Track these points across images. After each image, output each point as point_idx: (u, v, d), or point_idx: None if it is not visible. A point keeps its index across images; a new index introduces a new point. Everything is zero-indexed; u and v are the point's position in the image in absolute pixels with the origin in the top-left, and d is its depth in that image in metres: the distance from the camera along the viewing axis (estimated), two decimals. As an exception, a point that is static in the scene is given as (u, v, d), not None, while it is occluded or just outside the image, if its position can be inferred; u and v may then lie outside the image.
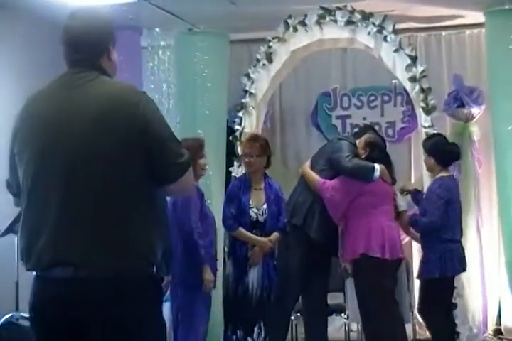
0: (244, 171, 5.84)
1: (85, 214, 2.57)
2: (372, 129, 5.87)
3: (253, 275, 5.49)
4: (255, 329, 5.49)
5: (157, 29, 6.68)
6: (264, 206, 5.51)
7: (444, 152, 5.59)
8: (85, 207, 2.57)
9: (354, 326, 6.52)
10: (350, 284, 5.90)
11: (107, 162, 2.57)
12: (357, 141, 5.55)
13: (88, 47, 2.73)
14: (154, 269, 2.68)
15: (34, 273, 2.70)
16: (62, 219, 2.58)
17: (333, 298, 6.21)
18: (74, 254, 2.56)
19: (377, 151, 5.46)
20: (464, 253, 5.61)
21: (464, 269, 5.64)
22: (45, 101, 2.71)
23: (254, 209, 5.51)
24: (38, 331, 2.70)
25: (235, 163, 6.35)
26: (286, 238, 5.56)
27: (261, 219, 5.50)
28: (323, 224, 5.47)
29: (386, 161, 5.49)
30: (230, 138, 6.54)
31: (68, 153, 2.59)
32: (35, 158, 2.66)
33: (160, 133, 2.64)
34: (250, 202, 5.51)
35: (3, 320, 3.36)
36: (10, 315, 3.38)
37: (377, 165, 5.37)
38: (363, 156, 5.44)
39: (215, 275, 5.24)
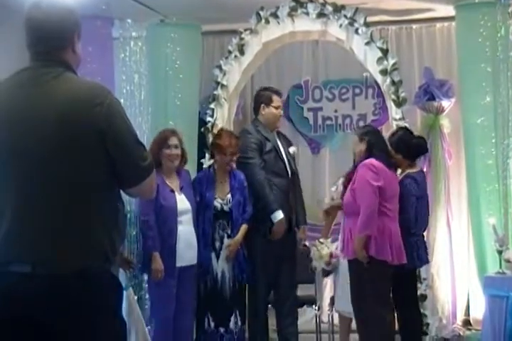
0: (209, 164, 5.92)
1: (44, 213, 2.55)
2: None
3: (223, 266, 5.51)
4: (231, 318, 5.54)
5: (129, 20, 6.63)
6: (229, 195, 5.56)
7: (409, 146, 5.55)
8: (44, 206, 2.55)
9: (325, 317, 6.56)
10: (319, 276, 5.96)
11: (66, 161, 2.55)
12: None
13: (52, 39, 2.67)
14: (112, 266, 2.67)
15: None
16: (20, 218, 2.56)
17: (304, 290, 6.23)
18: (31, 252, 2.54)
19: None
20: (425, 246, 5.65)
21: (425, 262, 5.68)
22: (5, 98, 2.66)
23: (219, 200, 5.57)
24: None
25: (207, 154, 6.34)
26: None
27: (226, 208, 5.57)
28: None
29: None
30: (202, 130, 6.53)
31: (28, 152, 2.56)
32: None
33: (122, 136, 2.61)
34: (215, 195, 5.57)
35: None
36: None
37: None
38: None
39: (173, 264, 5.30)
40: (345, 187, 5.52)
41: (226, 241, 5.55)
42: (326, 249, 5.75)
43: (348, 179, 5.54)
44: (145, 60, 6.73)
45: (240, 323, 5.56)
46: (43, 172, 2.55)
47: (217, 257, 5.54)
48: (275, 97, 5.87)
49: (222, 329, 5.54)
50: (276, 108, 5.85)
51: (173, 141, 5.40)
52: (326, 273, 5.90)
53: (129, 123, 2.68)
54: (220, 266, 5.53)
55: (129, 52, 6.68)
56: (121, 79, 6.48)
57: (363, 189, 5.11)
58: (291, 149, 5.94)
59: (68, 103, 2.56)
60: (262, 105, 5.83)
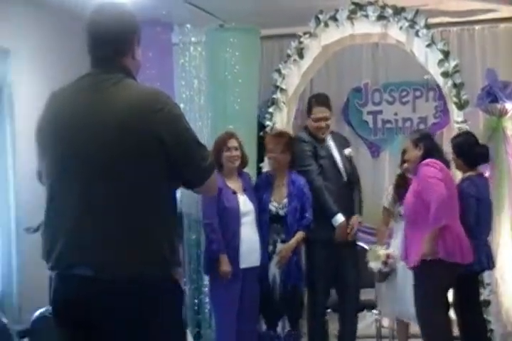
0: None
1: (106, 218, 2.58)
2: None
3: (274, 270, 5.50)
4: (279, 323, 5.54)
5: (188, 25, 6.67)
6: (285, 200, 5.52)
7: (470, 154, 5.50)
8: (105, 210, 2.58)
9: (385, 322, 6.49)
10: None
11: (127, 167, 2.57)
12: None
13: (112, 45, 2.70)
14: (173, 271, 2.68)
15: (53, 270, 2.71)
16: (82, 221, 2.59)
17: (365, 294, 6.18)
18: (94, 256, 2.57)
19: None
20: (488, 251, 5.54)
21: (486, 267, 5.58)
22: (68, 104, 2.69)
23: (274, 204, 5.53)
24: (59, 326, 2.71)
25: (266, 158, 6.33)
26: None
27: (281, 212, 5.53)
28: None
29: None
30: (261, 134, 6.53)
31: (89, 158, 2.58)
32: (56, 160, 2.67)
33: (183, 140, 2.63)
34: (271, 198, 5.54)
35: (37, 313, 3.39)
36: (44, 309, 3.44)
37: None
38: None
39: (237, 265, 5.29)
40: (397, 194, 5.50)
41: (279, 245, 5.52)
42: (382, 250, 5.69)
43: (398, 186, 5.50)
44: (204, 65, 6.76)
45: (288, 328, 5.55)
46: (104, 178, 2.58)
47: (269, 260, 5.53)
48: (316, 109, 5.75)
49: (272, 332, 5.55)
50: (316, 120, 5.73)
51: (233, 143, 5.44)
52: (384, 277, 5.82)
53: (189, 126, 2.70)
54: (272, 269, 5.51)
55: (188, 57, 6.72)
56: (180, 84, 6.52)
57: (428, 183, 5.02)
58: (347, 151, 5.84)
59: (128, 109, 2.58)
60: (307, 113, 5.82)
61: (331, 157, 5.69)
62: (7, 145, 5.98)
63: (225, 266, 5.26)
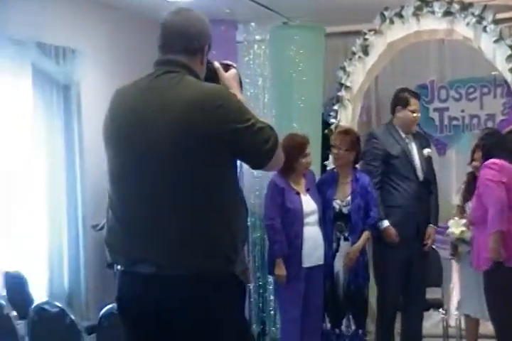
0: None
1: (168, 215, 2.59)
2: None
3: (338, 268, 5.48)
4: (343, 321, 5.50)
5: (252, 23, 6.69)
6: (349, 198, 5.49)
7: None
8: (168, 207, 2.59)
9: (452, 321, 6.41)
10: (447, 278, 5.82)
11: (188, 163, 2.58)
12: None
13: (183, 47, 2.73)
14: (235, 267, 2.68)
15: (118, 268, 2.74)
16: (145, 217, 2.62)
17: (431, 293, 6.11)
18: (156, 253, 2.59)
19: None
20: None
21: None
22: (130, 102, 2.72)
23: (338, 201, 5.50)
24: (124, 323, 2.75)
25: (330, 156, 6.31)
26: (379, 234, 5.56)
27: (345, 210, 5.49)
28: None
29: None
30: (326, 131, 6.51)
31: (150, 154, 2.61)
32: (119, 158, 2.71)
33: (244, 134, 2.63)
34: (335, 196, 5.52)
35: (104, 310, 3.44)
36: (111, 305, 3.49)
37: None
38: None
39: (299, 266, 5.28)
40: (467, 192, 5.41)
41: (343, 243, 5.49)
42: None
43: (469, 184, 5.41)
44: (268, 63, 6.76)
45: (353, 327, 5.51)
46: (166, 175, 2.60)
47: (333, 258, 5.50)
48: (413, 100, 5.75)
49: (337, 331, 5.52)
50: (413, 111, 5.73)
51: (308, 149, 5.41)
52: (456, 249, 5.69)
53: (249, 116, 2.67)
54: (336, 267, 5.49)
55: (252, 55, 6.74)
56: (245, 82, 6.52)
57: (487, 187, 4.92)
58: (426, 151, 5.78)
59: (189, 106, 2.59)
60: (398, 107, 5.75)
61: (406, 156, 5.64)
62: (75, 144, 6.08)
63: (280, 271, 5.26)
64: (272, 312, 6.33)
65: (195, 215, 2.59)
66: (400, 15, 6.32)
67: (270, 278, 5.99)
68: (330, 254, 5.45)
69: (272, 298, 6.28)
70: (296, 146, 5.33)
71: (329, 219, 5.47)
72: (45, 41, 5.84)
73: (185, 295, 2.56)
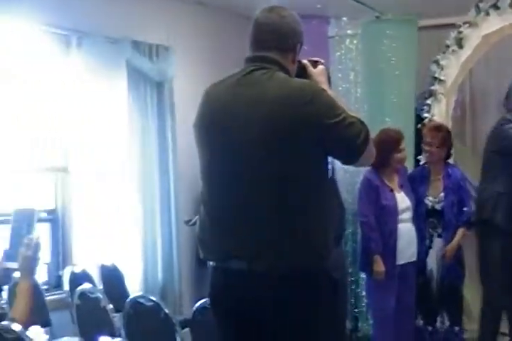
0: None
1: (261, 211, 2.60)
2: None
3: (431, 264, 5.39)
4: (438, 318, 5.42)
5: (344, 18, 6.65)
6: (442, 194, 5.40)
7: None
8: (258, 203, 2.60)
9: None
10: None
11: (278, 158, 2.59)
12: None
13: (275, 45, 2.74)
14: (327, 264, 2.67)
15: (211, 263, 2.76)
16: (237, 213, 2.63)
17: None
18: (248, 249, 2.60)
19: None
20: None
21: None
22: (221, 99, 2.75)
23: (430, 198, 5.43)
24: (217, 318, 2.78)
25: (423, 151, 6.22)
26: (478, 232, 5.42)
27: (437, 207, 5.41)
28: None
29: None
30: (419, 126, 6.42)
31: (243, 150, 2.62)
32: (211, 154, 2.73)
33: (334, 128, 2.61)
34: (427, 192, 5.43)
35: (198, 304, 3.48)
36: (204, 300, 3.53)
37: None
38: None
39: (394, 263, 5.21)
40: None
41: (436, 240, 5.42)
42: None
43: None
44: (360, 58, 6.72)
45: (448, 324, 5.43)
46: (255, 170, 2.61)
47: (426, 255, 5.42)
48: None
49: (430, 328, 5.45)
50: None
51: (403, 144, 5.34)
52: None
53: (340, 111, 2.65)
54: (429, 264, 5.42)
55: (344, 50, 6.70)
56: (337, 77, 6.50)
57: None
58: None
59: (278, 102, 2.60)
60: None
61: None
62: (168, 140, 6.15)
63: (379, 267, 5.21)
64: (364, 308, 6.28)
65: (286, 211, 2.59)
66: (496, 7, 6.17)
67: (363, 274, 5.94)
68: (423, 251, 5.38)
69: (364, 294, 6.23)
70: (391, 141, 5.27)
71: (421, 216, 5.40)
72: (139, 39, 5.94)
73: (276, 291, 2.57)
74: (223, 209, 2.67)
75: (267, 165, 2.59)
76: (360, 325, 6.42)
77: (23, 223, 3.32)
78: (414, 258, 5.32)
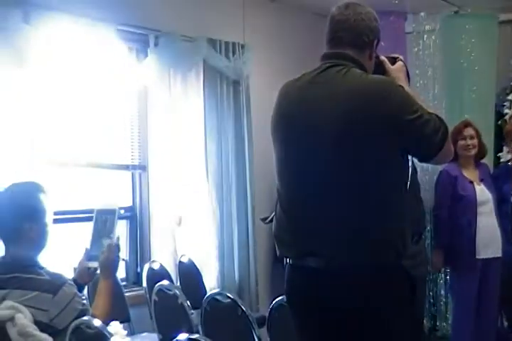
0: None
1: (337, 206, 2.58)
2: None
3: None
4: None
5: (422, 13, 6.57)
6: None
7: None
8: (337, 199, 2.58)
9: None
10: None
11: (355, 154, 2.56)
12: None
13: (351, 41, 2.72)
14: (404, 261, 2.63)
15: (287, 260, 2.76)
16: (313, 210, 2.62)
17: None
18: (325, 246, 2.59)
19: None
20: None
21: None
22: (297, 95, 2.74)
23: None
24: (294, 315, 2.77)
25: (504, 148, 6.11)
26: None
27: None
28: None
29: None
30: (499, 122, 6.31)
31: (319, 147, 2.61)
32: (287, 151, 2.73)
33: (411, 124, 2.58)
34: None
35: (275, 302, 3.48)
36: (281, 297, 3.53)
37: None
38: None
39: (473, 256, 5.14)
40: None
41: None
42: None
43: None
44: (439, 53, 6.63)
45: (506, 324, 5.33)
46: (332, 166, 2.59)
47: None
48: None
49: None
50: None
51: (468, 131, 5.33)
52: None
53: (416, 107, 2.62)
54: None
55: (422, 45, 6.63)
56: (414, 73, 6.43)
57: None
58: None
59: (355, 98, 2.58)
60: None
61: None
62: (244, 138, 6.17)
63: (437, 258, 5.19)
64: (443, 307, 6.21)
65: (364, 208, 2.57)
66: None
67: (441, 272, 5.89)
68: (508, 249, 5.27)
69: (442, 292, 6.16)
70: (454, 131, 5.24)
71: (506, 214, 5.30)
72: (215, 37, 5.97)
73: (354, 288, 2.56)
74: (299, 207, 2.66)
75: (344, 161, 2.58)
76: (438, 324, 6.35)
77: (104, 222, 3.37)
78: (498, 254, 5.23)
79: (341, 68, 2.67)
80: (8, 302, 2.97)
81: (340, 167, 2.58)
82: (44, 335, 2.91)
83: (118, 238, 3.32)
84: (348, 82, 2.63)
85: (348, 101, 2.58)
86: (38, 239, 3.16)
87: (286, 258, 2.77)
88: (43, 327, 2.94)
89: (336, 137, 2.57)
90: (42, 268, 3.14)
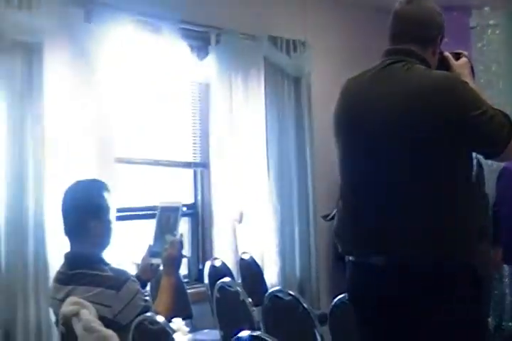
0: None
1: (401, 203, 2.56)
2: None
3: None
4: None
5: (486, 8, 6.48)
6: None
7: None
8: (401, 195, 2.56)
9: None
10: None
11: (418, 150, 2.53)
12: None
13: (414, 36, 2.70)
14: (472, 259, 2.59)
15: (349, 258, 2.74)
16: (376, 207, 2.60)
17: None
18: (389, 244, 2.56)
19: None
20: None
21: None
22: (360, 92, 2.73)
23: None
24: (356, 313, 2.76)
25: None
26: None
27: None
28: None
29: None
30: None
31: (382, 143, 2.58)
32: (350, 148, 2.72)
33: (475, 121, 2.53)
34: None
35: (336, 299, 3.47)
36: (343, 295, 3.52)
37: None
38: None
39: None
40: None
41: None
42: None
43: None
44: (503, 49, 6.53)
45: None
46: (396, 163, 2.57)
47: None
48: None
49: None
50: None
51: None
52: None
53: (480, 103, 2.58)
54: None
55: (486, 41, 6.54)
56: (478, 69, 6.34)
57: None
58: None
59: (418, 94, 2.55)
60: None
61: None
62: (305, 135, 6.16)
63: (496, 257, 5.08)
64: (509, 306, 6.12)
65: (428, 205, 2.54)
66: None
67: (505, 271, 5.80)
68: None
69: (507, 291, 6.07)
70: None
71: None
72: (276, 35, 5.97)
73: (419, 286, 2.53)
74: (363, 204, 2.65)
75: (407, 158, 2.55)
76: (504, 323, 6.26)
77: (168, 219, 3.39)
78: None
79: (404, 64, 2.65)
80: (72, 298, 3.02)
81: (406, 166, 2.55)
82: (108, 331, 2.94)
83: (181, 235, 3.35)
84: (411, 79, 2.61)
85: (412, 97, 2.55)
86: (102, 236, 3.20)
87: (348, 255, 2.76)
88: (107, 322, 2.97)
89: (399, 135, 2.55)
90: (107, 264, 3.18)
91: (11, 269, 4.18)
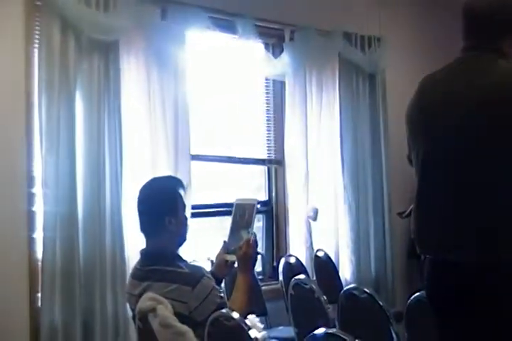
0: None
1: (478, 200, 2.52)
2: None
3: None
4: None
5: None
6: None
7: None
8: (477, 192, 2.52)
9: None
10: None
11: (498, 147, 2.49)
12: None
13: (491, 30, 2.64)
14: None
15: (425, 256, 2.71)
16: (454, 204, 2.56)
17: None
18: (467, 241, 2.53)
19: None
20: None
21: None
22: (437, 89, 2.68)
23: None
24: (434, 312, 2.73)
25: None
26: None
27: None
28: None
29: None
30: None
31: (460, 139, 2.54)
32: (426, 145, 2.68)
33: None
34: None
35: (413, 297, 3.44)
36: (420, 292, 3.48)
37: None
38: None
39: None
40: None
41: None
42: None
43: None
44: None
45: None
46: (473, 159, 2.53)
47: None
48: None
49: None
50: None
51: None
52: None
53: None
54: None
55: None
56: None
57: None
58: None
59: (500, 90, 2.50)
60: None
61: None
62: (380, 131, 6.11)
63: None
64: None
65: (504, 202, 2.50)
66: None
67: None
68: None
69: None
70: None
71: None
72: (351, 31, 5.93)
73: (500, 284, 2.49)
74: (440, 201, 2.62)
75: (485, 154, 2.51)
76: None
77: (243, 215, 3.40)
78: None
79: (482, 59, 2.61)
80: (149, 294, 3.05)
81: (479, 160, 2.52)
82: (184, 327, 2.97)
83: (255, 234, 3.35)
84: (492, 73, 2.56)
85: (492, 93, 2.51)
86: (177, 233, 3.23)
87: (426, 253, 2.72)
88: (182, 318, 3.00)
89: (477, 136, 2.51)
90: (183, 261, 3.21)
91: (89, 262, 4.25)
